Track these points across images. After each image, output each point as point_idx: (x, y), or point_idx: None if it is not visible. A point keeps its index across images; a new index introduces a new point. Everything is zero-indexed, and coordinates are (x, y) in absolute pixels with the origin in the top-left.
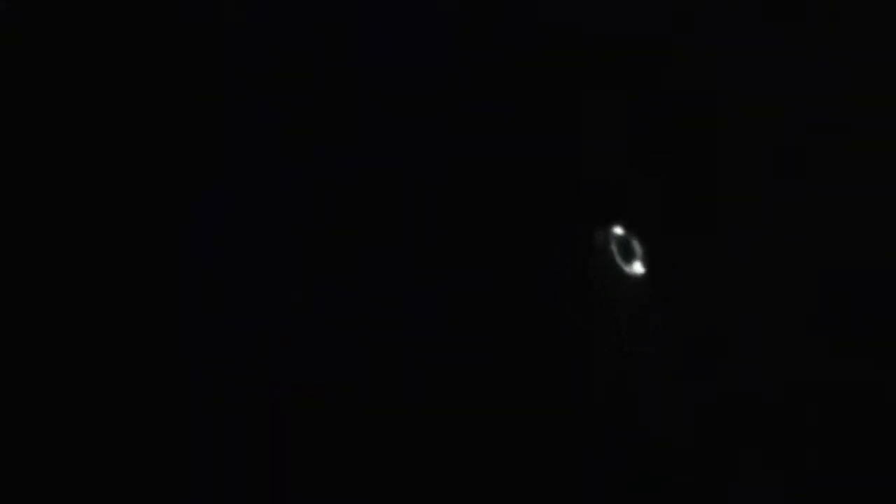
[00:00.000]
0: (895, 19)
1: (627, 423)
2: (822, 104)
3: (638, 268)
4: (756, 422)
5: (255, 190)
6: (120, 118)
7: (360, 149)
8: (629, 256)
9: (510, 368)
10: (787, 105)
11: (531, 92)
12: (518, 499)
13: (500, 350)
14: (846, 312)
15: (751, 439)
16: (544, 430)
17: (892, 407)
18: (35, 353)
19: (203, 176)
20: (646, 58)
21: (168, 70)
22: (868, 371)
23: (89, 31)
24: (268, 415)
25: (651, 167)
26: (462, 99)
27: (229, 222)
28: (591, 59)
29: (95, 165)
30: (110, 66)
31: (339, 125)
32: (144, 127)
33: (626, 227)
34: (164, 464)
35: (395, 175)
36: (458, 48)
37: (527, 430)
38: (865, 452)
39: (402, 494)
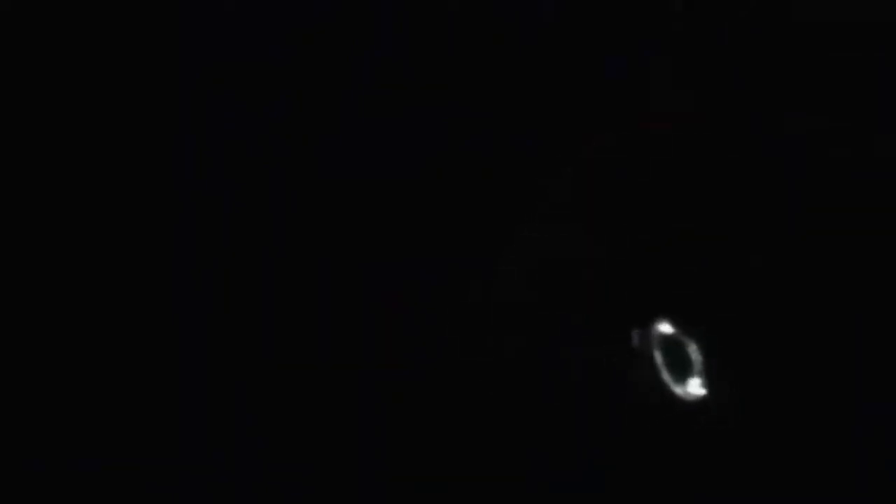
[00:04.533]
0: None
1: None
2: None
3: (695, 388)
4: None
5: (252, 182)
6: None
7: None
8: (681, 371)
9: None
10: None
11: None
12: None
13: None
14: None
15: None
16: None
17: None
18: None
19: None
20: None
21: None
22: None
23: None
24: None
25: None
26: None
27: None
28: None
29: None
30: (107, 57)
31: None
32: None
33: (676, 324)
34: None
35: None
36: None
37: None
38: None
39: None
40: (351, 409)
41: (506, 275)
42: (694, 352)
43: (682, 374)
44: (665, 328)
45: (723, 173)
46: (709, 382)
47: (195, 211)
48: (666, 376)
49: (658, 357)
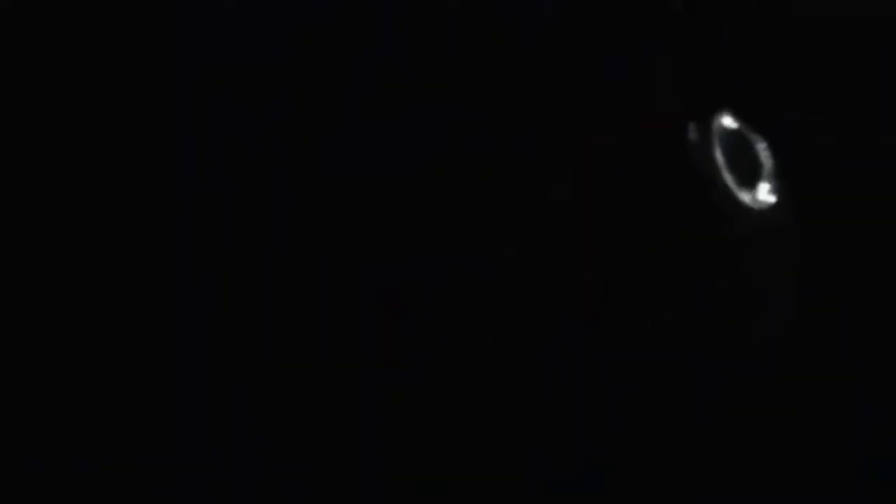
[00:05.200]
0: None
1: None
2: None
3: (765, 194)
4: None
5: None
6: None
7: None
8: (749, 173)
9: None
10: None
11: None
12: None
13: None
14: None
15: None
16: None
17: None
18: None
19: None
20: None
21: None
22: None
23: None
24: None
25: None
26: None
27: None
28: None
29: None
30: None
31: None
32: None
33: (742, 116)
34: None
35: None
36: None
37: None
38: None
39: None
40: (351, 409)
41: (506, 275)
42: (764, 152)
43: (750, 177)
44: (729, 122)
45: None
46: (781, 188)
47: (195, 211)
48: (729, 179)
49: (719, 156)
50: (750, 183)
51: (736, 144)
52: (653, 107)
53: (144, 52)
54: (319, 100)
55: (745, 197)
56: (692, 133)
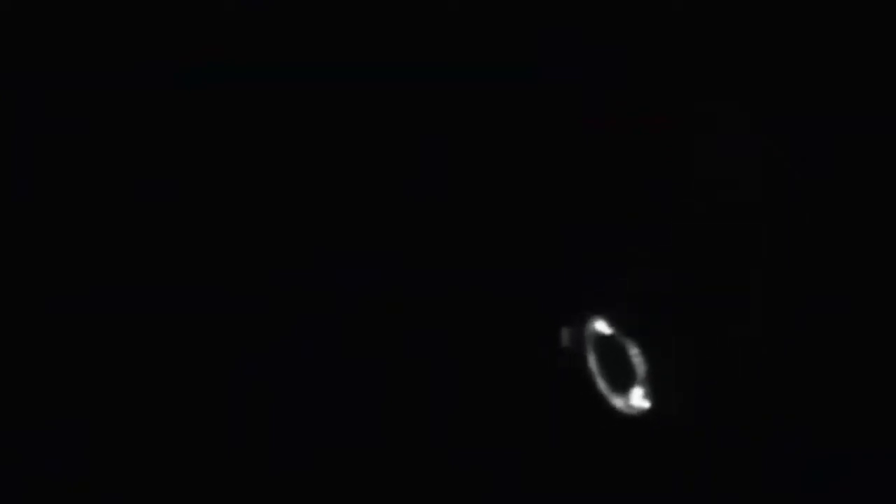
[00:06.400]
0: None
1: None
2: None
3: (638, 399)
4: None
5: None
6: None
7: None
8: (622, 378)
9: None
10: None
11: None
12: None
13: None
14: None
15: None
16: None
17: None
18: None
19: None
20: None
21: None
22: None
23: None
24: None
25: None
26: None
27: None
28: None
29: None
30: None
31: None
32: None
33: (615, 322)
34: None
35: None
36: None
37: None
38: None
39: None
40: (350, 408)
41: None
42: (637, 357)
43: (623, 383)
44: (602, 327)
45: (722, 173)
46: (655, 393)
47: (194, 210)
48: (602, 385)
49: (593, 362)
50: (623, 388)
51: (609, 350)
52: (652, 107)
53: (144, 52)
54: (319, 99)
55: (618, 402)
56: (564, 339)
